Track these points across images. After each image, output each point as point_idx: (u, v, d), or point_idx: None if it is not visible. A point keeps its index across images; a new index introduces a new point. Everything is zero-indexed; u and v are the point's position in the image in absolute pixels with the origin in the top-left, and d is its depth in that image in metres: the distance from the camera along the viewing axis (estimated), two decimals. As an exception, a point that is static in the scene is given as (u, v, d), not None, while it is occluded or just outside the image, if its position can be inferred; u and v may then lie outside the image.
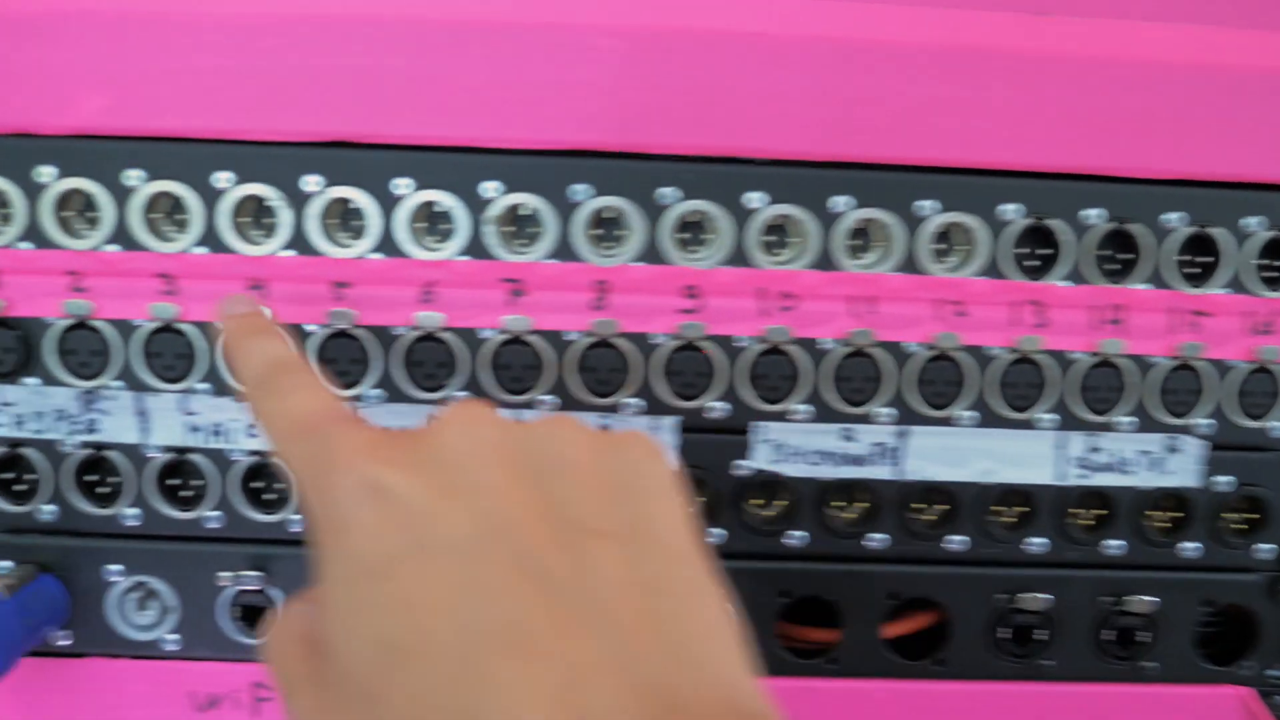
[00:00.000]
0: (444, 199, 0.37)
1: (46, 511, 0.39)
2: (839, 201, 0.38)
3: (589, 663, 0.20)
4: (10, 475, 0.40)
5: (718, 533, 0.40)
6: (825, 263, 0.38)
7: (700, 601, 0.23)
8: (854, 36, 0.37)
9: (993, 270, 0.38)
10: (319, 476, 0.24)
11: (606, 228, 0.38)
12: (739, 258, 0.38)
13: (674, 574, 0.23)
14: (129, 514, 0.39)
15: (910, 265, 0.38)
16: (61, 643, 0.40)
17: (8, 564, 0.40)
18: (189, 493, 0.40)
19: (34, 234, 0.37)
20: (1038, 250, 0.39)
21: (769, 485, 0.40)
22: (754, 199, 0.38)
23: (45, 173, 0.37)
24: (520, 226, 0.38)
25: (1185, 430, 0.40)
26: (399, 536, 0.22)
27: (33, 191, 0.37)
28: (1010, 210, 0.38)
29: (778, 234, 0.39)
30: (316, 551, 0.23)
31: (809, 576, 0.41)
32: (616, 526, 0.24)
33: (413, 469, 0.24)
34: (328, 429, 0.25)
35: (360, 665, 0.21)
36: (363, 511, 0.23)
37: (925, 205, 0.38)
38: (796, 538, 0.40)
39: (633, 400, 0.39)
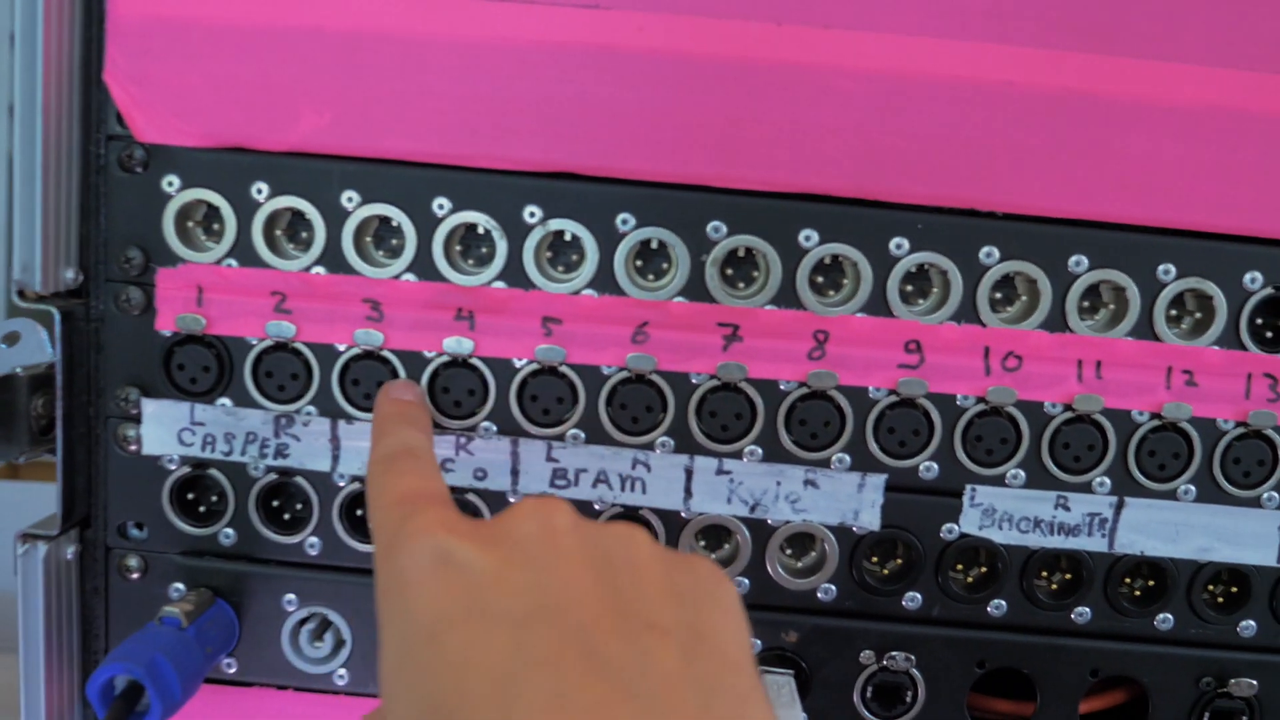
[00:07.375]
0: (665, 236, 0.36)
1: (227, 536, 0.38)
2: (1078, 261, 0.36)
3: None
4: (193, 496, 0.38)
5: (915, 596, 0.38)
6: (1057, 323, 0.36)
7: (753, 711, 0.23)
8: (1103, 92, 0.35)
9: (1230, 340, 0.37)
10: (393, 541, 0.25)
11: (829, 275, 0.37)
12: (967, 313, 0.36)
13: (730, 680, 0.23)
14: (311, 543, 0.38)
15: (1144, 330, 0.36)
16: (228, 670, 0.39)
17: (180, 587, 0.38)
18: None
19: (241, 253, 0.36)
20: (1278, 321, 0.37)
21: (973, 552, 0.39)
22: (988, 254, 0.36)
23: (259, 190, 0.36)
24: (740, 270, 0.37)
25: None
26: (456, 601, 0.23)
27: (246, 209, 0.36)
28: (1252, 279, 0.36)
29: (1006, 290, 0.37)
30: (379, 617, 0.24)
31: (1008, 647, 0.39)
32: (677, 626, 0.23)
33: (482, 543, 0.24)
34: (420, 504, 0.26)
35: None
36: (424, 575, 0.23)
37: (1165, 269, 0.36)
38: (998, 607, 0.39)
39: (845, 455, 0.37)
